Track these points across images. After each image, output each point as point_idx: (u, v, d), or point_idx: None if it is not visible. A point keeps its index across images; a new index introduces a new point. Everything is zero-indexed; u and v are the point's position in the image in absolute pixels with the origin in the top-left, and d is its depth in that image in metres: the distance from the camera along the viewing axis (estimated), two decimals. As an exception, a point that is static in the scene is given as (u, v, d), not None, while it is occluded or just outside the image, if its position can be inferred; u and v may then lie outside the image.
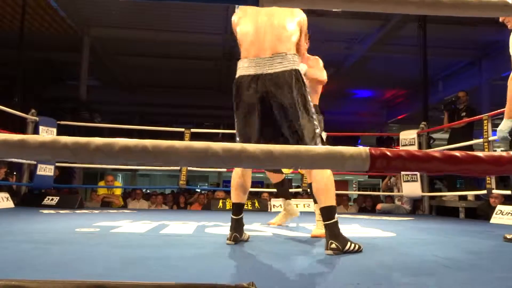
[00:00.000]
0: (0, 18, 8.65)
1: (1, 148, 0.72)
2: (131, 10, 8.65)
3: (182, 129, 5.73)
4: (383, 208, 5.80)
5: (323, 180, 1.84)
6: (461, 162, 0.80)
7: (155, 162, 0.79)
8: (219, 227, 2.83)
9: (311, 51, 2.72)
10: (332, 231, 1.75)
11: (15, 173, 6.03)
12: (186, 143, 0.78)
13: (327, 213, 1.80)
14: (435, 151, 0.85)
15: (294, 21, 1.94)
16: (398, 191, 5.80)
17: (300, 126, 1.83)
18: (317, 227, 2.52)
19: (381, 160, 0.82)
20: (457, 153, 0.82)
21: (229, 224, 2.05)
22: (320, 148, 0.83)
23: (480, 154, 0.82)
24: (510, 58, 2.25)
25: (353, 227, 3.14)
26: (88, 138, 0.75)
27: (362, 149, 0.84)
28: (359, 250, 1.78)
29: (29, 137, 0.73)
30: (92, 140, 0.75)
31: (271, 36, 1.90)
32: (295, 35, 1.93)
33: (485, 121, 4.44)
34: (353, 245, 1.77)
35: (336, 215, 1.83)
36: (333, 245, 1.71)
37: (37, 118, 5.02)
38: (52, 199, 4.73)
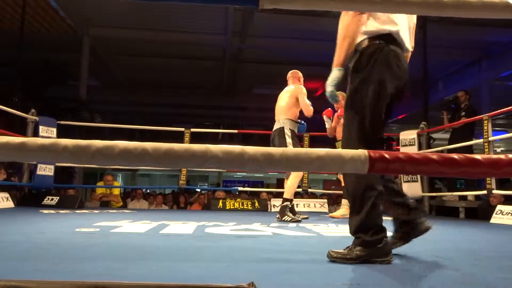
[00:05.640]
0: (0, 18, 8.65)
1: (2, 151, 0.72)
2: (131, 10, 8.65)
3: (182, 129, 5.73)
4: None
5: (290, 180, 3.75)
6: (459, 165, 0.80)
7: (155, 164, 0.78)
8: (219, 227, 2.83)
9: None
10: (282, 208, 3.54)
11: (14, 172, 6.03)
12: (185, 146, 0.78)
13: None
14: (434, 154, 0.85)
15: (286, 97, 3.81)
16: (403, 191, 5.78)
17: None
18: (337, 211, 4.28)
19: (380, 162, 0.82)
20: (455, 156, 0.82)
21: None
22: (319, 151, 0.83)
23: (478, 157, 0.82)
24: None
25: (353, 227, 3.13)
26: (88, 141, 0.74)
27: (361, 152, 0.83)
28: None
29: (29, 140, 0.73)
30: (92, 143, 0.75)
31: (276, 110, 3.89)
32: (287, 106, 3.76)
33: (485, 121, 4.43)
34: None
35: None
36: None
37: (37, 118, 5.01)
38: (52, 199, 4.72)
